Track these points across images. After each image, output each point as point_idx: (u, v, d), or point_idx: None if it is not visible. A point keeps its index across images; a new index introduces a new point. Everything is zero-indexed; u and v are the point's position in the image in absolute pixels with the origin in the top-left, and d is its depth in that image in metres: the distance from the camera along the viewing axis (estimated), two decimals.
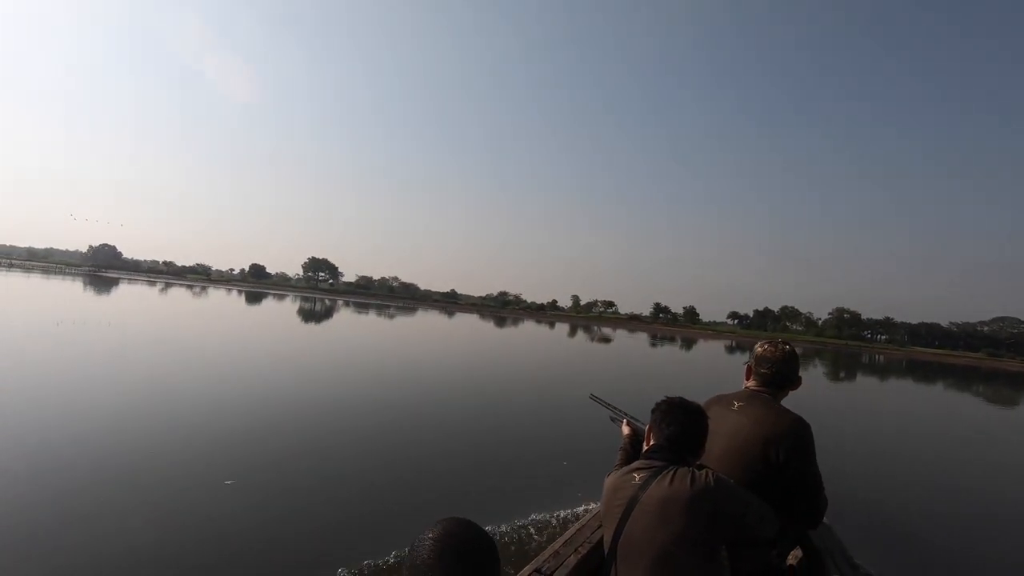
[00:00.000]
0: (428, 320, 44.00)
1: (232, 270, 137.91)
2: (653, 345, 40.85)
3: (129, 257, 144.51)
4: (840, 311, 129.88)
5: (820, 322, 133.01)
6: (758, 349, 2.17)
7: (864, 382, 26.30)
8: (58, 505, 3.78)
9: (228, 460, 5.00)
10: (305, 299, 64.48)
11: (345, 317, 36.55)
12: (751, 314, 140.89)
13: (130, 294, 37.45)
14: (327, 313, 38.85)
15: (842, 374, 29.80)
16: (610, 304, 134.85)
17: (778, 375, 2.08)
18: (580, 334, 47.03)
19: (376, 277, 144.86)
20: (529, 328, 48.84)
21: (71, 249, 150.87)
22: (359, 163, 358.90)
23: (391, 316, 43.84)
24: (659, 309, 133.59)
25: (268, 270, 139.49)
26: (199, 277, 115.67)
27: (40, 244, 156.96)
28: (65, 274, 65.96)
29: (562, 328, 57.42)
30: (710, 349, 43.53)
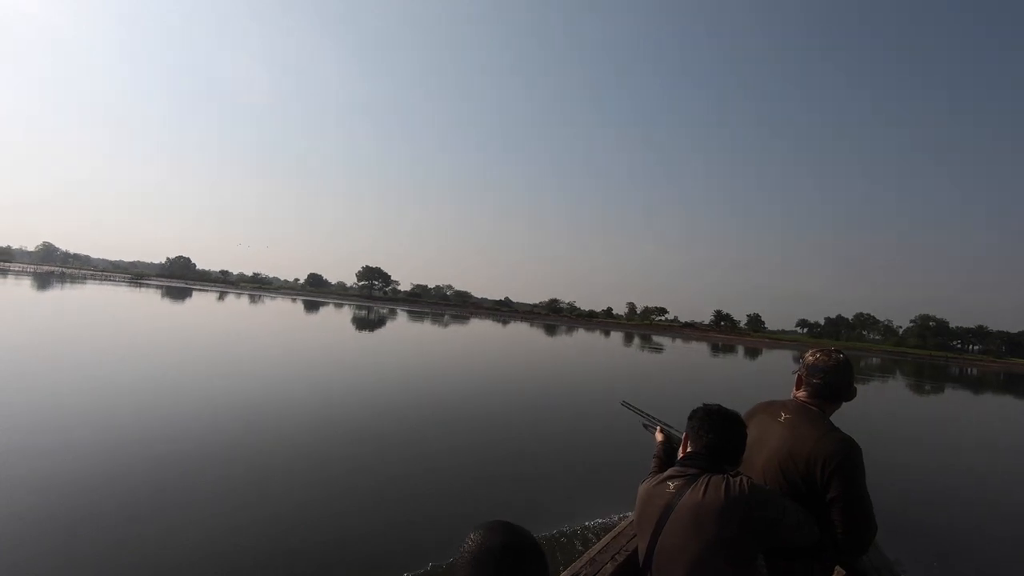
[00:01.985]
0: (479, 328, 43.75)
1: (297, 279, 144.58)
2: (713, 355, 38.58)
3: (201, 268, 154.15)
4: (924, 319, 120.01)
5: (901, 331, 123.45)
6: (809, 358, 2.03)
7: (953, 396, 23.51)
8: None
9: (300, 459, 5.54)
10: (360, 307, 66.54)
11: (400, 325, 36.93)
12: (822, 322, 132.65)
13: (230, 305, 39.59)
14: (381, 321, 39.23)
15: (927, 387, 26.87)
16: (662, 311, 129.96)
17: (830, 386, 1.94)
18: (627, 342, 45.31)
19: (431, 285, 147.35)
20: (579, 336, 47.58)
21: (154, 261, 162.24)
22: (416, 174, 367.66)
23: (444, 324, 44.21)
24: (720, 317, 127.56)
25: (326, 278, 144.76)
26: (256, 286, 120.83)
27: (128, 257, 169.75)
28: (145, 284, 70.45)
29: (616, 336, 55.67)
30: (774, 359, 40.84)
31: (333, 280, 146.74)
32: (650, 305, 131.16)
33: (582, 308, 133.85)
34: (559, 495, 5.20)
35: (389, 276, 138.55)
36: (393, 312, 60.53)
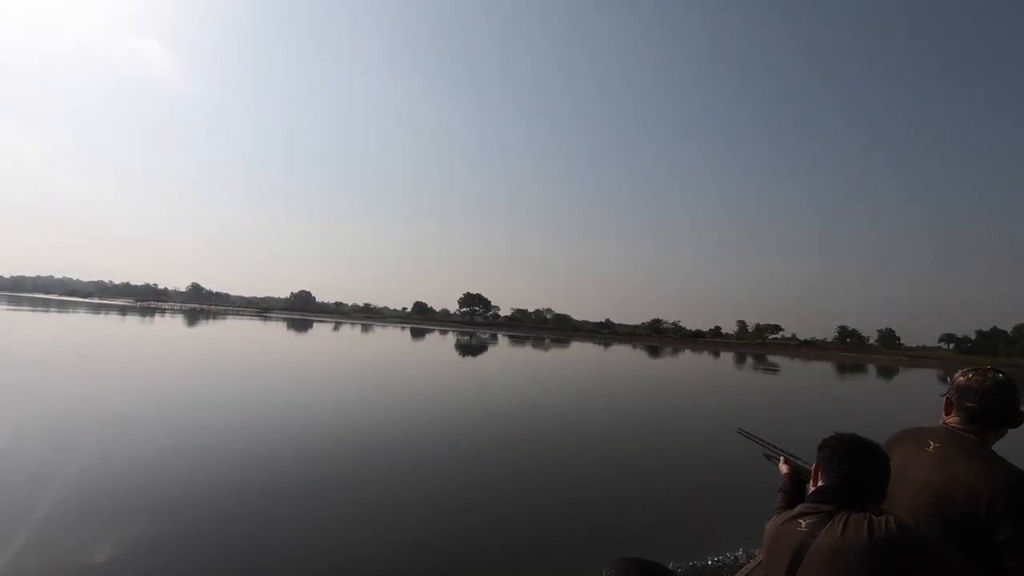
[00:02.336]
0: (579, 352, 43.32)
1: (404, 308, 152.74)
2: (840, 376, 35.07)
3: (321, 300, 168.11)
4: None
5: None
6: (960, 378, 1.78)
7: None
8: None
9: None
10: (462, 333, 68.66)
11: (501, 350, 37.62)
12: (972, 336, 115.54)
13: (346, 334, 43.12)
14: (483, 346, 40.19)
15: None
16: (776, 328, 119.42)
17: (988, 411, 1.68)
18: (739, 363, 42.44)
19: (531, 310, 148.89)
20: (685, 358, 45.53)
21: (279, 296, 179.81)
22: (511, 200, 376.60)
23: (546, 348, 44.35)
24: (845, 333, 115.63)
25: (430, 306, 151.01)
26: (366, 315, 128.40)
27: (247, 292, 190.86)
28: (275, 318, 77.90)
29: (726, 357, 52.52)
30: (915, 379, 36.26)
31: (437, 307, 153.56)
32: (762, 323, 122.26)
33: (687, 327, 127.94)
34: (676, 524, 5.11)
35: (489, 302, 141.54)
36: (494, 337, 61.86)
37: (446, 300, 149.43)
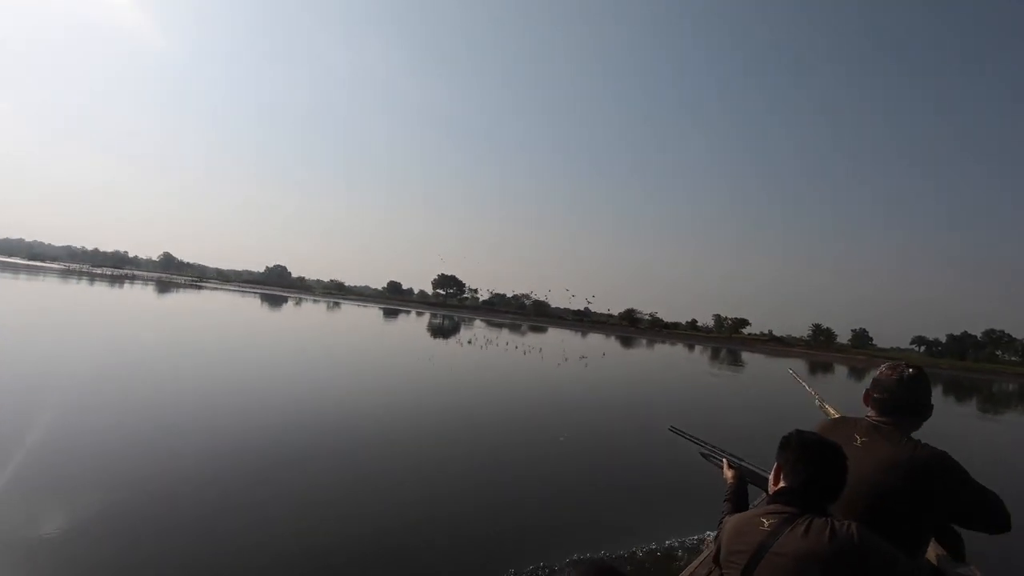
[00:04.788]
0: (557, 337, 41.87)
1: (378, 288, 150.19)
2: (812, 375, 33.95)
3: (299, 276, 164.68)
4: None
5: None
6: (878, 372, 1.95)
7: None
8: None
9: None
10: (434, 315, 67.30)
11: (478, 334, 35.76)
12: (943, 339, 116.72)
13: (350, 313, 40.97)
14: (454, 328, 38.66)
15: None
16: (742, 322, 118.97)
17: (899, 403, 1.85)
18: (698, 356, 41.35)
19: (509, 295, 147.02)
20: (642, 352, 44.32)
21: (252, 269, 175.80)
22: (494, 185, 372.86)
23: (523, 333, 43.31)
24: (819, 331, 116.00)
25: (404, 286, 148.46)
26: (337, 293, 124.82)
27: (224, 265, 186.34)
28: (246, 292, 75.28)
29: (675, 350, 51.50)
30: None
31: (416, 287, 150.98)
32: (733, 317, 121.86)
33: (665, 319, 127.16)
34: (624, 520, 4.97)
35: (464, 284, 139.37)
36: (470, 321, 60.29)
37: (424, 281, 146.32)
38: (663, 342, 65.73)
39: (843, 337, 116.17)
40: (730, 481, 2.05)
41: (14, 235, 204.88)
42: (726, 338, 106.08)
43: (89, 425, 6.02)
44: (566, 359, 22.97)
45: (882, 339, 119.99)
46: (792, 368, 2.50)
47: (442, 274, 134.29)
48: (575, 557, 3.71)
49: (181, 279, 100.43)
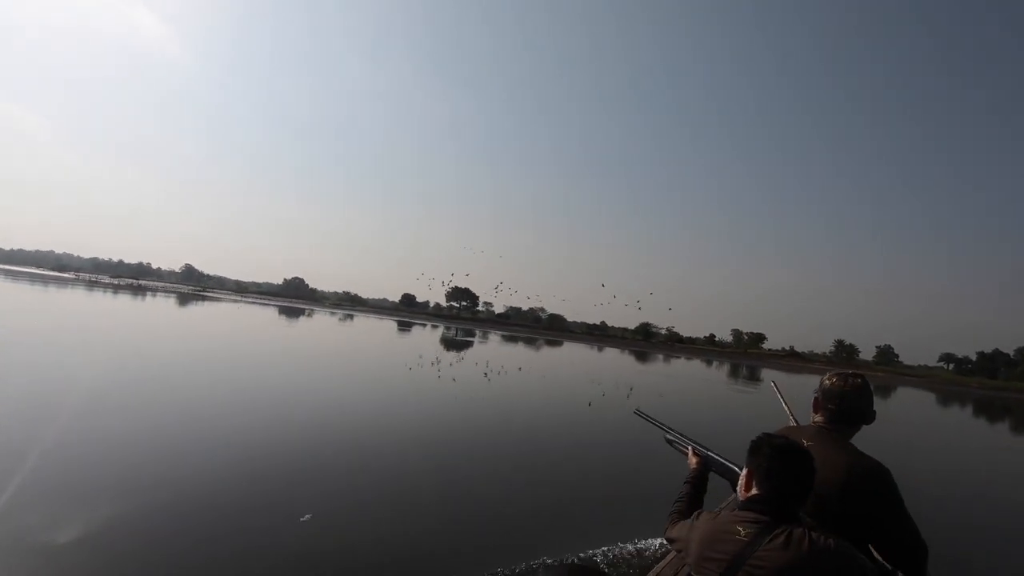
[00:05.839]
0: (574, 353, 40.97)
1: (393, 300, 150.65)
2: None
3: (317, 288, 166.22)
4: None
5: None
6: (826, 382, 2.04)
7: None
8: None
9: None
10: (447, 327, 66.88)
11: (492, 349, 35.22)
12: (973, 356, 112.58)
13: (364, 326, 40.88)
14: (467, 343, 37.94)
15: None
16: (760, 337, 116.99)
17: (844, 411, 1.95)
18: (716, 373, 40.12)
19: (525, 308, 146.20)
20: (659, 367, 43.23)
21: (272, 281, 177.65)
22: (512, 199, 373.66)
23: (537, 348, 42.63)
24: (841, 348, 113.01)
25: (419, 299, 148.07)
26: (348, 305, 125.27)
27: (246, 277, 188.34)
28: (264, 303, 75.84)
29: (694, 366, 50.18)
30: (912, 399, 33.95)
31: (431, 301, 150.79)
32: (754, 331, 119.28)
33: (681, 333, 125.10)
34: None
35: (478, 297, 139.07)
36: (483, 334, 59.61)
37: (436, 293, 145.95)
38: (678, 356, 64.42)
39: (867, 353, 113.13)
40: (693, 467, 2.07)
41: (45, 247, 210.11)
42: (743, 353, 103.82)
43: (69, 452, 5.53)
44: (603, 394, 16.13)
45: (908, 356, 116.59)
46: (775, 381, 2.64)
47: (456, 287, 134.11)
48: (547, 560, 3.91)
49: (186, 288, 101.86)
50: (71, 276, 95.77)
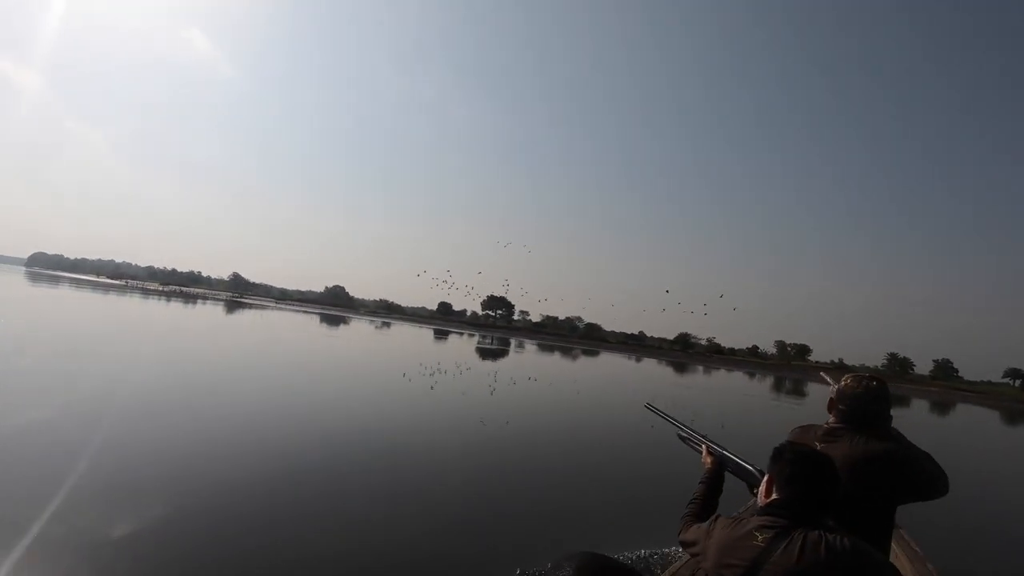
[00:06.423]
0: (609, 362, 40.36)
1: (430, 308, 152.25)
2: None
3: (358, 296, 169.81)
4: None
5: None
6: (842, 383, 2.02)
7: None
8: None
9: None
10: (483, 336, 67.39)
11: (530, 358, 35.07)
12: None
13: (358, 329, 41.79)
14: (503, 352, 37.92)
15: None
16: (805, 349, 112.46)
17: (856, 413, 1.92)
18: (757, 386, 38.61)
19: (561, 317, 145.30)
20: (698, 379, 42.02)
21: (314, 289, 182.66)
22: (546, 207, 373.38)
23: (574, 358, 42.30)
24: (894, 361, 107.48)
25: (456, 308, 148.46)
26: (384, 313, 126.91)
27: (291, 285, 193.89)
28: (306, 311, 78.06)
29: (733, 377, 48.45)
30: (975, 418, 31.93)
31: (467, 310, 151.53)
32: (797, 343, 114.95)
33: (722, 344, 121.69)
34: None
35: (513, 306, 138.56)
36: (518, 344, 59.58)
37: (474, 302, 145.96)
38: (718, 368, 62.68)
39: (923, 368, 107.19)
40: (708, 466, 2.03)
41: (106, 256, 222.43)
42: (787, 365, 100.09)
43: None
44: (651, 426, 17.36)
45: (969, 371, 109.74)
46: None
47: (491, 295, 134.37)
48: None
49: (224, 295, 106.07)
50: (121, 283, 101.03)
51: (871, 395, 1.91)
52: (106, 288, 64.44)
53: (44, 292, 39.51)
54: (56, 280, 74.03)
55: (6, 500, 4.14)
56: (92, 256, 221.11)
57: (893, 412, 1.95)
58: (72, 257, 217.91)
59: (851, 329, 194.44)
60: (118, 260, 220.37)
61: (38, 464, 5.01)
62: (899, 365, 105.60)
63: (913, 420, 25.07)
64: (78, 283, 71.50)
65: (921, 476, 1.79)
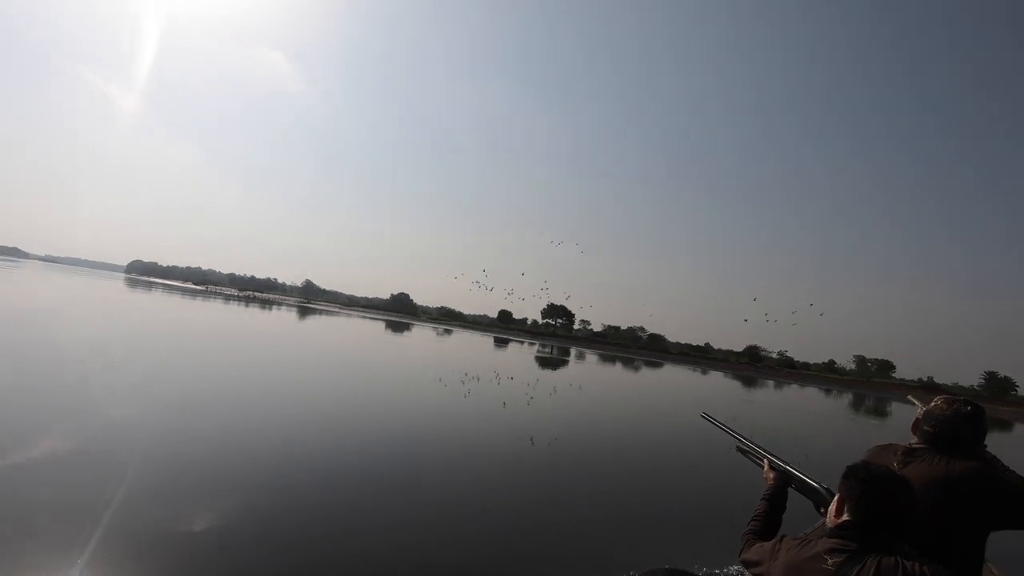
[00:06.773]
0: (671, 375, 39.50)
1: (492, 316, 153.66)
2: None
3: (421, 304, 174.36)
4: None
5: None
6: (932, 404, 1.92)
7: None
8: None
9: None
10: (543, 345, 67.27)
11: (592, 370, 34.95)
12: None
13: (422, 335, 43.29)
14: (563, 362, 37.90)
15: None
16: (888, 365, 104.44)
17: (940, 436, 1.78)
18: (834, 403, 36.22)
19: (624, 327, 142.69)
20: (769, 394, 40.01)
21: (380, 296, 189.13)
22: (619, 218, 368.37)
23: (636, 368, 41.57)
24: (993, 380, 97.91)
25: (516, 316, 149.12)
26: (444, 320, 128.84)
27: (359, 292, 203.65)
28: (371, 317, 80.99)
29: (811, 395, 45.62)
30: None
31: (528, 318, 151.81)
32: (879, 358, 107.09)
33: (796, 358, 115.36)
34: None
35: (573, 315, 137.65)
36: (578, 353, 59.19)
37: (534, 311, 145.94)
38: (789, 383, 59.44)
39: (1019, 389, 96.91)
40: (770, 482, 1.92)
41: (195, 264, 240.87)
42: (867, 382, 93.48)
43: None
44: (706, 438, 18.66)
45: None
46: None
47: (551, 304, 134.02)
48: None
49: (293, 300, 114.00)
50: (202, 288, 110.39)
51: (962, 416, 1.77)
52: (193, 294, 70.23)
53: (135, 297, 43.36)
54: (149, 285, 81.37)
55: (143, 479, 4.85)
56: (182, 264, 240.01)
57: (991, 437, 1.84)
58: (164, 264, 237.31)
59: (943, 345, 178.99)
60: (204, 268, 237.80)
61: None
62: (999, 386, 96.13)
63: (1018, 447, 22.82)
64: (168, 288, 78.96)
65: (1017, 502, 1.61)
